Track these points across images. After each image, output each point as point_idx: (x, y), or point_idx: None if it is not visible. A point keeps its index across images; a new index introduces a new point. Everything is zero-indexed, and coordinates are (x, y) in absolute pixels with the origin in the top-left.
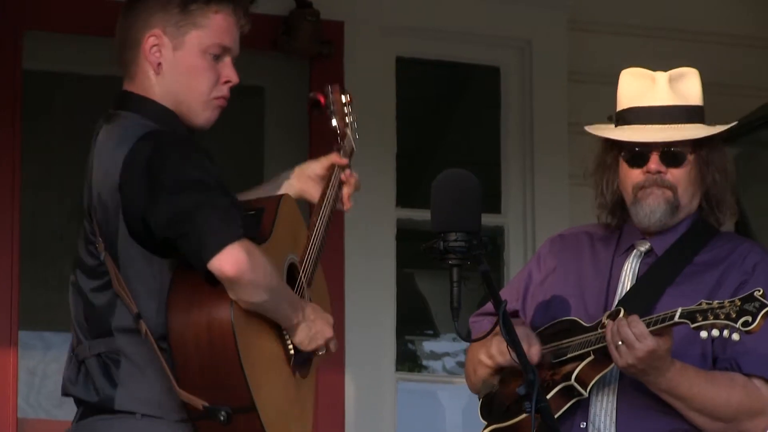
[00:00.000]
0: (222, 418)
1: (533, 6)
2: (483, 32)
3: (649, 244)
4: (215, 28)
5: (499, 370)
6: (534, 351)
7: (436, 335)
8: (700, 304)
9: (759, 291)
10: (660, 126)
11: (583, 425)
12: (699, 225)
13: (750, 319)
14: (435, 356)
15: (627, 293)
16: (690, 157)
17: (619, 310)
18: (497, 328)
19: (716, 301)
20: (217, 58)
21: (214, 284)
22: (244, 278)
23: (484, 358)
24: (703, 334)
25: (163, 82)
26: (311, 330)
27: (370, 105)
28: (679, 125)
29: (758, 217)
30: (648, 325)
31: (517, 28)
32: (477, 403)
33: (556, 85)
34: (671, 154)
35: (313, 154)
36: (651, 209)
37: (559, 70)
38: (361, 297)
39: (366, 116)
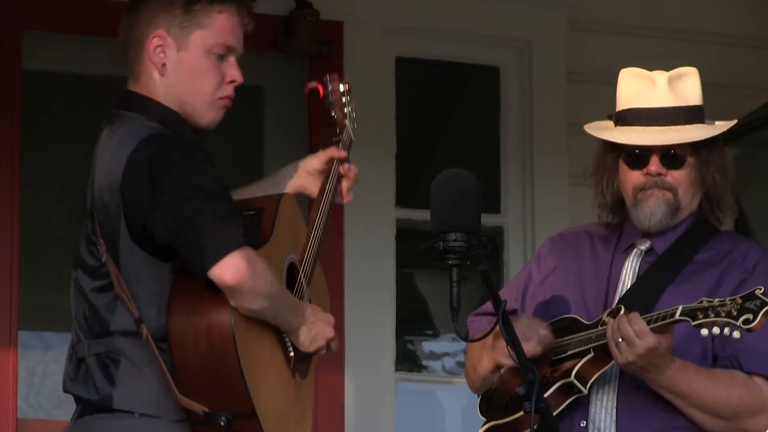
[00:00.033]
0: (222, 423)
1: (533, 6)
2: (483, 32)
3: (649, 242)
4: (219, 27)
5: (500, 367)
6: (543, 334)
7: (435, 335)
8: (701, 302)
9: (760, 289)
10: (660, 128)
11: (583, 424)
12: (699, 224)
13: (751, 317)
14: (434, 356)
15: (627, 292)
16: (690, 159)
17: (620, 308)
18: (497, 328)
19: (717, 299)
20: (221, 57)
21: (215, 290)
22: (245, 287)
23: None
24: (704, 331)
25: (168, 83)
26: (312, 332)
27: (369, 105)
28: (679, 127)
29: (758, 216)
30: (649, 323)
31: (517, 28)
32: (476, 404)
33: (556, 85)
34: (671, 156)
35: (313, 153)
36: (651, 211)
37: (559, 70)
38: (361, 297)
39: (366, 116)
